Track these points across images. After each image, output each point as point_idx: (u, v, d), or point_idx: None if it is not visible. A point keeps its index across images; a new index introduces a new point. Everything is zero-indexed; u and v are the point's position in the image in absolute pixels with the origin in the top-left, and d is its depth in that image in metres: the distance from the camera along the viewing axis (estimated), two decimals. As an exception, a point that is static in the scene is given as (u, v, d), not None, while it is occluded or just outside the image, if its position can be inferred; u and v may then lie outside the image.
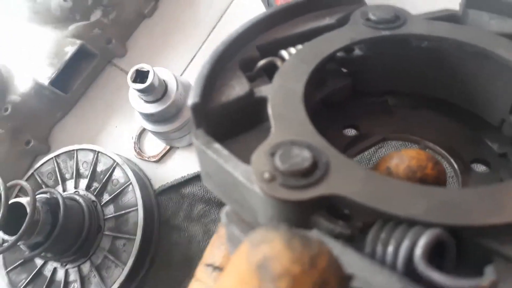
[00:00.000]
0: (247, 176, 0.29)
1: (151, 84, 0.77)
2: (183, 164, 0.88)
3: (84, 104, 1.00)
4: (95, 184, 0.86)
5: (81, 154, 0.88)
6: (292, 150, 0.28)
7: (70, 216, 0.77)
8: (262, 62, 0.39)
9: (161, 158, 0.90)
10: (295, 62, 0.36)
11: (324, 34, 0.38)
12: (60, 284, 0.81)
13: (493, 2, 0.36)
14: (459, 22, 0.38)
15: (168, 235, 0.84)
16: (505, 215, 0.25)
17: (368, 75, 0.41)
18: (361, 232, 0.28)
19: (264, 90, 0.36)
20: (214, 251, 0.39)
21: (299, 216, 0.27)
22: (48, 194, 0.78)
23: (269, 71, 0.39)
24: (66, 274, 0.81)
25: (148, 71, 0.77)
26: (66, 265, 0.82)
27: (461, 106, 0.39)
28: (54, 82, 0.93)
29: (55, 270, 0.82)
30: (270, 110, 0.33)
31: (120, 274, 0.78)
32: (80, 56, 0.96)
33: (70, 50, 0.94)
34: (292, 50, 0.39)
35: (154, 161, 0.90)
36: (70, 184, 0.88)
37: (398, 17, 0.37)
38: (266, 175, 0.28)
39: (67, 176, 0.88)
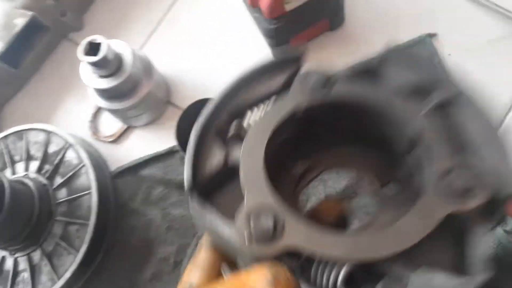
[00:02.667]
0: (234, 237, 0.41)
1: (104, 57, 0.71)
2: (141, 144, 0.83)
3: (38, 81, 0.93)
4: (47, 167, 0.80)
5: (32, 135, 0.82)
6: (260, 219, 0.40)
7: (17, 200, 0.71)
8: (231, 133, 0.48)
9: (118, 138, 0.84)
10: (255, 135, 0.46)
11: (274, 103, 0.49)
12: (9, 274, 0.75)
13: (402, 58, 0.49)
14: (377, 71, 0.49)
15: (126, 219, 0.79)
16: (391, 248, 0.39)
17: (311, 124, 0.50)
18: (307, 259, 0.41)
19: (236, 157, 0.46)
20: (192, 272, 0.45)
21: (270, 258, 0.40)
22: (-8, 177, 0.72)
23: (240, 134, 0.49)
24: (15, 263, 0.76)
25: (100, 43, 0.72)
26: (15, 253, 0.76)
27: (381, 141, 0.51)
28: (3, 56, 0.86)
29: (3, 259, 0.76)
30: (242, 180, 0.43)
31: (72, 261, 0.72)
32: (32, 29, 0.89)
33: (20, 22, 0.87)
34: (253, 117, 0.49)
35: (111, 142, 0.84)
36: (20, 166, 0.81)
37: (328, 81, 0.47)
38: (247, 239, 0.40)
39: (17, 158, 0.82)
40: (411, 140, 0.45)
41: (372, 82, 0.48)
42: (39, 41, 0.92)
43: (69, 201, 0.77)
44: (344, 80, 0.47)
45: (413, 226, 0.39)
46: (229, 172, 0.46)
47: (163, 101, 0.84)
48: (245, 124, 0.49)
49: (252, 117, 0.49)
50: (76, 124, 0.87)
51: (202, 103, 0.77)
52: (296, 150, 0.52)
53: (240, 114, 0.49)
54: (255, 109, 0.50)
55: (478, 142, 0.43)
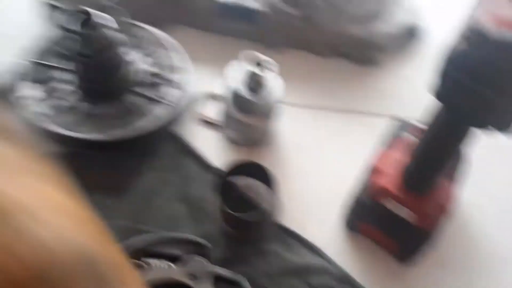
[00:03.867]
0: None
1: (259, 79, 0.82)
2: (206, 143, 0.91)
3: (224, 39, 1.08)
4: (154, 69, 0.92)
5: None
6: None
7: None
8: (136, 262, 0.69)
9: (205, 123, 0.93)
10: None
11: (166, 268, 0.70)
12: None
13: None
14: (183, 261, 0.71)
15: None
16: None
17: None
18: None
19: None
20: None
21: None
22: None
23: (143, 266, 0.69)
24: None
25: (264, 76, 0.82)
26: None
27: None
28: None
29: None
30: None
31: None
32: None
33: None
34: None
35: (200, 119, 0.93)
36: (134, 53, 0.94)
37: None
38: None
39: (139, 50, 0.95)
40: None
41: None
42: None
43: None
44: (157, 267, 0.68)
45: None
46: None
47: (251, 140, 0.91)
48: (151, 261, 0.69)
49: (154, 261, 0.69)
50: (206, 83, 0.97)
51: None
52: None
53: (146, 255, 0.70)
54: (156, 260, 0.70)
55: None
